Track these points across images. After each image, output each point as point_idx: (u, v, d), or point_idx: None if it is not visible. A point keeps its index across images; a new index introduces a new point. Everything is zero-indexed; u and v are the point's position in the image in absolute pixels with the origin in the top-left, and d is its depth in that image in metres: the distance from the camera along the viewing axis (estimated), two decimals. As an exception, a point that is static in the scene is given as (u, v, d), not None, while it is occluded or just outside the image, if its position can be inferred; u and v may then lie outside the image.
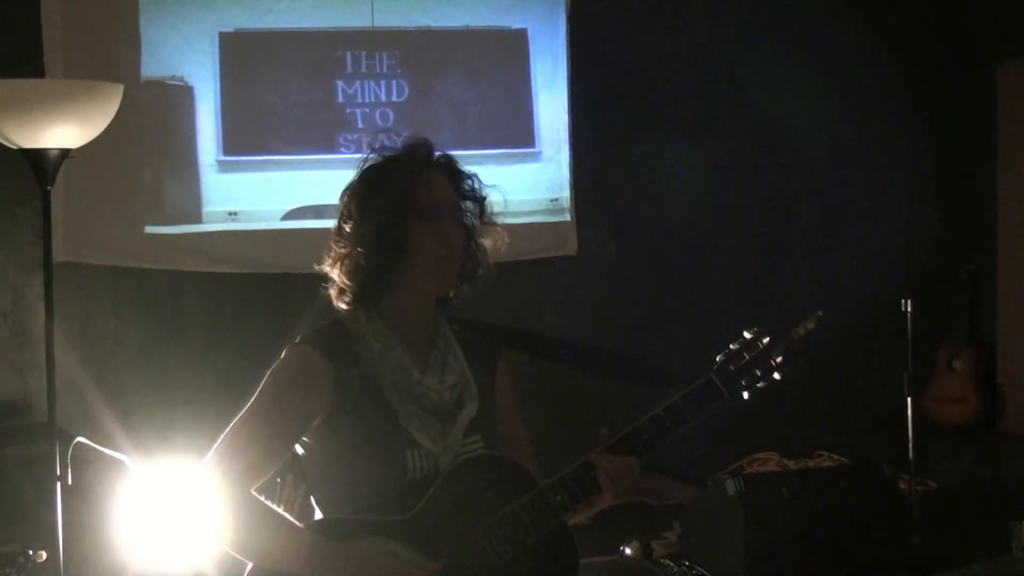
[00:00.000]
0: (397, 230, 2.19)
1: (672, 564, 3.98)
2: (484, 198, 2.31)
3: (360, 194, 2.26)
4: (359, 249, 2.21)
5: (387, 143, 2.30)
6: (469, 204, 2.29)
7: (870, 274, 5.83)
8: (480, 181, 2.31)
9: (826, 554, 3.67)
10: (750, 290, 5.80)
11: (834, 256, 5.95)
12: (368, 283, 2.23)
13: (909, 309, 4.15)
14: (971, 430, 5.80)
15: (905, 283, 4.78)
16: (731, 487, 3.73)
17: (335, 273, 2.26)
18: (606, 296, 5.65)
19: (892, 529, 3.81)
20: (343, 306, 2.27)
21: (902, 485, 4.12)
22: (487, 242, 2.31)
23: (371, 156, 2.29)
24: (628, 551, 4.04)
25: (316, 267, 2.29)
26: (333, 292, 2.28)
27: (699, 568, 3.91)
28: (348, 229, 2.24)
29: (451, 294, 2.30)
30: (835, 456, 5.09)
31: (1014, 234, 5.87)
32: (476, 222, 2.30)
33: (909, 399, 4.13)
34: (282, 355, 2.22)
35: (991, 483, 5.06)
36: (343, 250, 2.24)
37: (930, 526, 4.13)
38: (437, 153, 2.28)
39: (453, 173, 2.28)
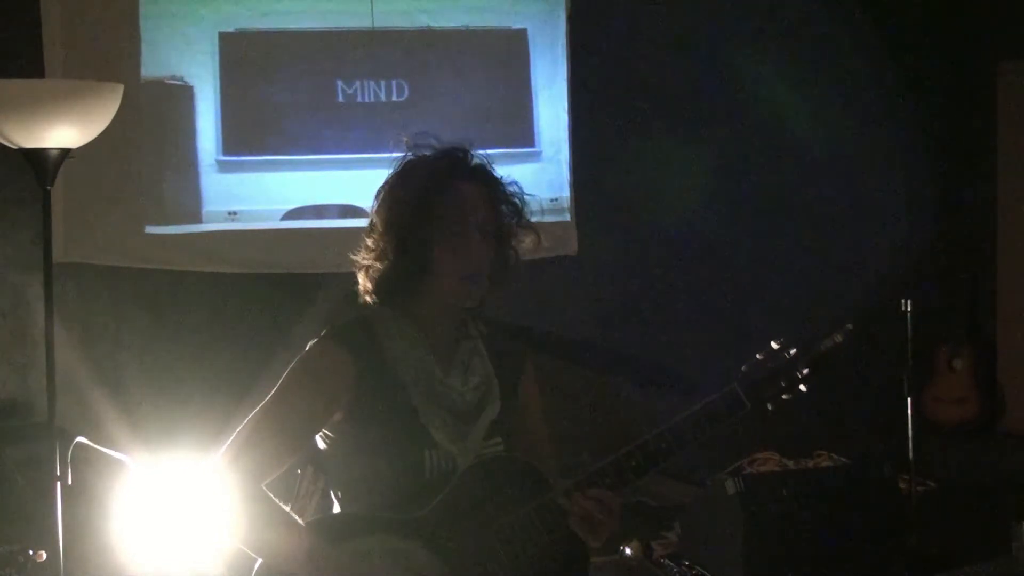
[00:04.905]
0: (420, 248, 2.17)
1: (672, 564, 3.98)
2: (521, 202, 2.26)
3: (385, 206, 2.22)
4: (382, 263, 2.20)
5: (430, 143, 2.25)
6: (505, 209, 2.24)
7: (870, 274, 5.83)
8: (518, 185, 2.26)
9: (826, 554, 3.66)
10: (749, 290, 5.80)
11: (834, 256, 5.95)
12: (393, 291, 2.22)
13: (909, 309, 4.15)
14: (971, 430, 5.80)
15: (905, 283, 4.78)
16: (731, 487, 3.73)
17: (361, 277, 2.25)
18: (606, 296, 5.65)
19: (892, 529, 3.81)
20: (369, 301, 2.26)
21: (902, 485, 4.11)
22: (525, 243, 2.27)
23: (405, 158, 2.25)
24: (628, 551, 4.04)
25: (351, 257, 2.26)
26: (360, 290, 2.27)
27: (699, 568, 3.91)
28: (371, 243, 2.22)
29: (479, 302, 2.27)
30: (835, 456, 5.09)
31: (1014, 234, 5.87)
32: (512, 226, 2.25)
33: (909, 399, 4.13)
34: (306, 348, 2.21)
35: (991, 483, 5.06)
36: (366, 261, 2.23)
37: (930, 526, 4.13)
38: (472, 160, 2.23)
39: (487, 180, 2.24)
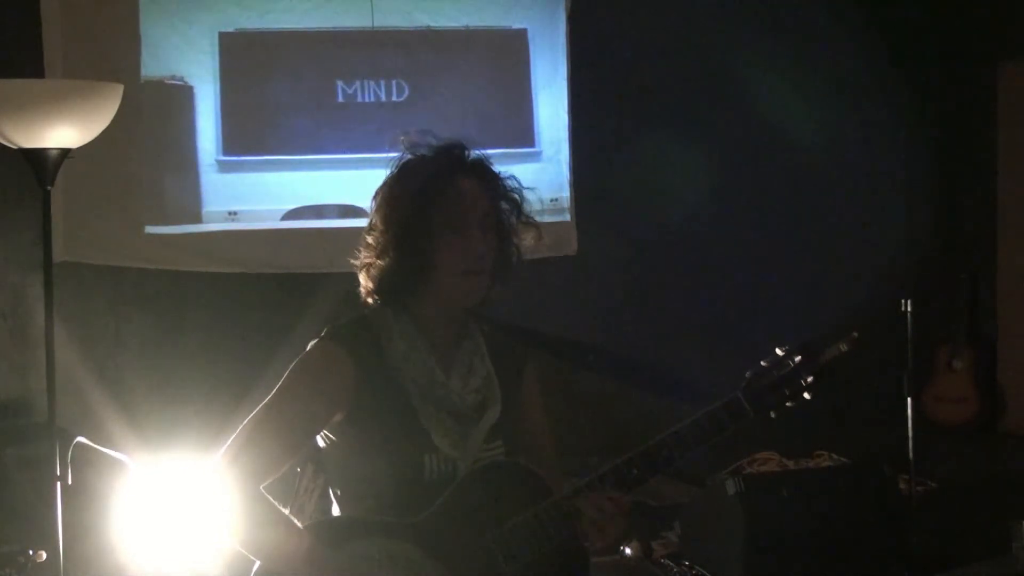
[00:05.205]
0: (420, 244, 2.16)
1: (672, 564, 3.98)
2: (521, 198, 2.26)
3: (385, 203, 2.22)
4: (383, 261, 2.19)
5: (428, 141, 2.24)
6: (505, 204, 2.24)
7: (870, 274, 5.82)
8: (517, 180, 2.26)
9: (826, 554, 3.66)
10: (749, 290, 5.80)
11: (834, 256, 5.95)
12: (394, 290, 2.22)
13: (909, 309, 4.15)
14: (971, 430, 5.80)
15: (905, 283, 4.78)
16: (731, 487, 3.72)
17: (362, 277, 2.25)
18: (606, 296, 5.65)
19: (892, 529, 3.81)
20: (371, 302, 2.25)
21: (902, 485, 4.11)
22: (526, 239, 2.27)
23: (404, 157, 2.25)
24: (628, 551, 4.04)
25: (351, 261, 2.26)
26: (362, 291, 2.26)
27: (699, 568, 3.90)
28: (371, 242, 2.22)
29: (481, 299, 2.25)
30: (835, 456, 5.08)
31: (1014, 234, 5.87)
32: (513, 221, 2.25)
33: (909, 399, 4.12)
34: (306, 349, 2.21)
35: (991, 483, 5.06)
36: (368, 259, 2.23)
37: (930, 526, 4.13)
38: (470, 155, 2.23)
39: (486, 175, 2.23)
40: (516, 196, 2.26)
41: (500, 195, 2.24)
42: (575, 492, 2.14)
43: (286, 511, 2.19)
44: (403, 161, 2.25)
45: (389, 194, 2.23)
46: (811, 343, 2.19)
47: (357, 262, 2.25)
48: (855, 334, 2.16)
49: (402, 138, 2.27)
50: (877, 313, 4.72)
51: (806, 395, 2.17)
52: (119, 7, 4.97)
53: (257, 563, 2.15)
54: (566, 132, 5.54)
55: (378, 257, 2.20)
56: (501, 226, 2.23)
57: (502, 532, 2.14)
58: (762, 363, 2.19)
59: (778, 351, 2.19)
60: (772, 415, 2.18)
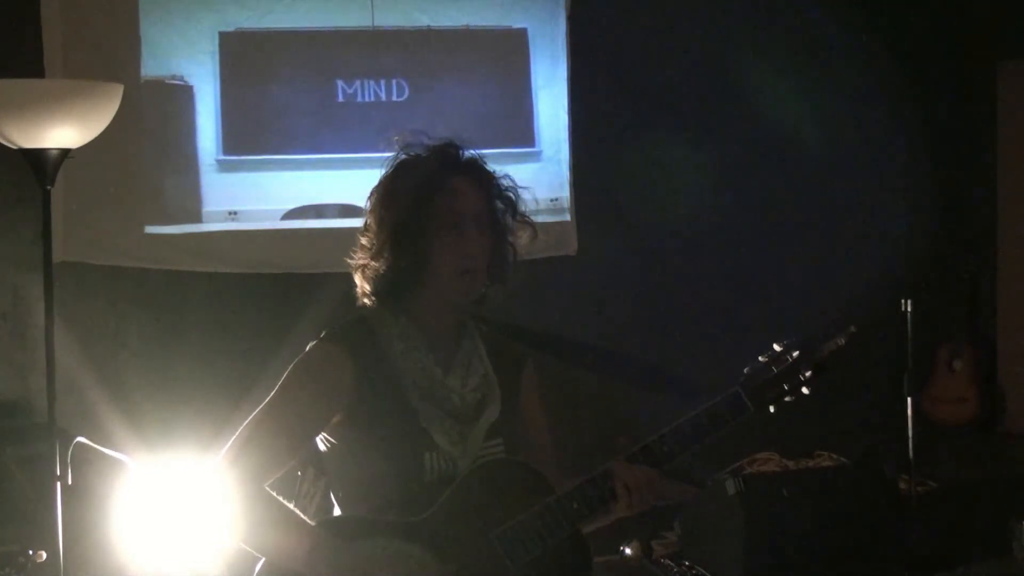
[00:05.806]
0: (416, 243, 2.16)
1: (672, 564, 3.98)
2: (516, 196, 2.26)
3: (379, 204, 2.22)
4: (378, 262, 2.19)
5: (422, 141, 2.25)
6: (499, 203, 2.24)
7: (870, 274, 5.82)
8: (511, 179, 2.26)
9: (826, 554, 3.67)
10: (749, 290, 5.79)
11: (834, 256, 5.95)
12: (390, 291, 2.22)
13: (909, 309, 4.15)
14: (971, 430, 5.80)
15: (905, 283, 4.78)
16: (731, 487, 3.73)
17: (357, 278, 2.25)
18: (606, 296, 5.65)
19: (892, 529, 3.81)
20: (367, 303, 2.25)
21: (902, 485, 4.12)
22: (522, 239, 2.27)
23: (398, 157, 2.25)
24: (628, 551, 4.04)
25: (347, 261, 2.26)
26: (358, 292, 2.26)
27: (699, 568, 3.91)
28: (366, 243, 2.22)
29: (478, 299, 2.26)
30: (835, 456, 5.09)
31: (1014, 234, 5.87)
32: (508, 220, 2.25)
33: (909, 399, 4.13)
34: (305, 349, 2.21)
35: (991, 483, 5.06)
36: (363, 260, 2.23)
37: (930, 526, 4.13)
38: (464, 154, 2.23)
39: (480, 174, 2.24)
40: (511, 195, 2.26)
41: (495, 194, 2.24)
42: (574, 489, 2.15)
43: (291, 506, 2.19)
44: (397, 161, 2.25)
45: (383, 195, 2.23)
46: (809, 338, 2.20)
47: (353, 261, 2.25)
48: (852, 328, 2.18)
49: (396, 138, 2.27)
50: (877, 313, 4.73)
51: (805, 390, 2.19)
52: (119, 7, 4.97)
53: (262, 561, 2.16)
54: (566, 132, 5.54)
55: (373, 258, 2.20)
56: (496, 225, 2.24)
57: (504, 530, 2.14)
58: (760, 358, 2.21)
59: (776, 346, 2.21)
60: (771, 410, 2.19)
